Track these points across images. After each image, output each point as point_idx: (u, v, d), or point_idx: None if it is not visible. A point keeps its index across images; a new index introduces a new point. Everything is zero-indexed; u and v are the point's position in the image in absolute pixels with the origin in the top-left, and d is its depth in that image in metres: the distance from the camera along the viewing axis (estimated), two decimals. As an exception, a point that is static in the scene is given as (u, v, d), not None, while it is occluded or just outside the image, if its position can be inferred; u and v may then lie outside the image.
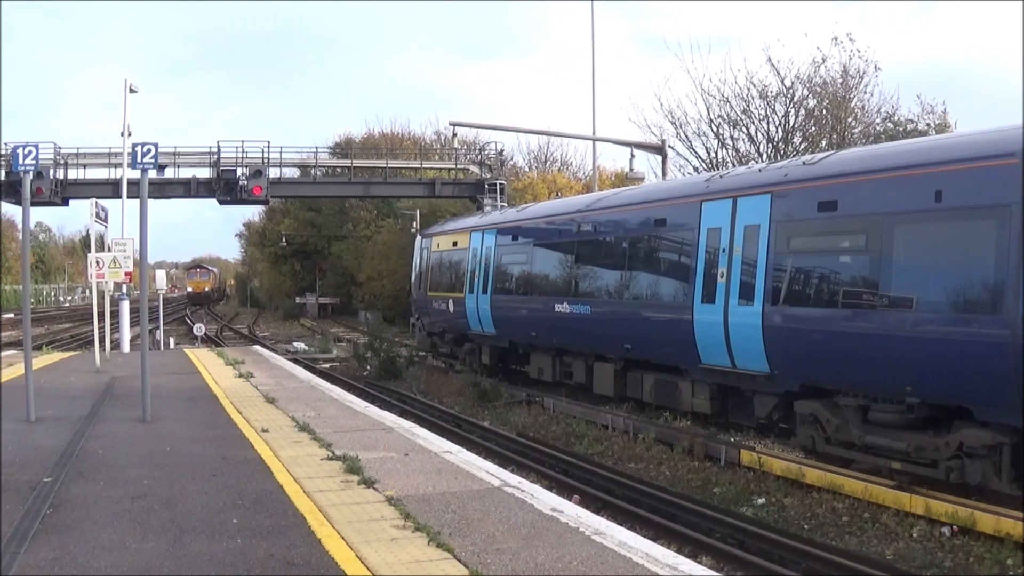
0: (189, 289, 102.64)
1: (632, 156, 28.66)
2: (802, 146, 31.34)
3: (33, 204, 17.66)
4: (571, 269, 19.85)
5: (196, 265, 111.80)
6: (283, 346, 38.56)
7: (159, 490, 8.69)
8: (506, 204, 34.90)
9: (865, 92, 31.76)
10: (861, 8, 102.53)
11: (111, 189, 35.59)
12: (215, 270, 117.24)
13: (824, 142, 30.77)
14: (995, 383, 10.05)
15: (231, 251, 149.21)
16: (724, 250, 14.45)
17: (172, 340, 34.90)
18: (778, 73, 32.13)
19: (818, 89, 31.85)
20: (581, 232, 19.35)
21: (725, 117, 33.39)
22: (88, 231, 28.93)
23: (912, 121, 29.99)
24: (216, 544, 6.91)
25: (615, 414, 17.73)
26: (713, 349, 14.65)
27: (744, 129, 33.26)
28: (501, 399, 21.56)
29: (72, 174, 38.96)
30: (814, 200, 12.83)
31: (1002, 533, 9.85)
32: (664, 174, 29.44)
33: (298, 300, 70.61)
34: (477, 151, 44.25)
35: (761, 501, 12.25)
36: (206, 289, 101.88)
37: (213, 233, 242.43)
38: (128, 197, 29.45)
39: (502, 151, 42.49)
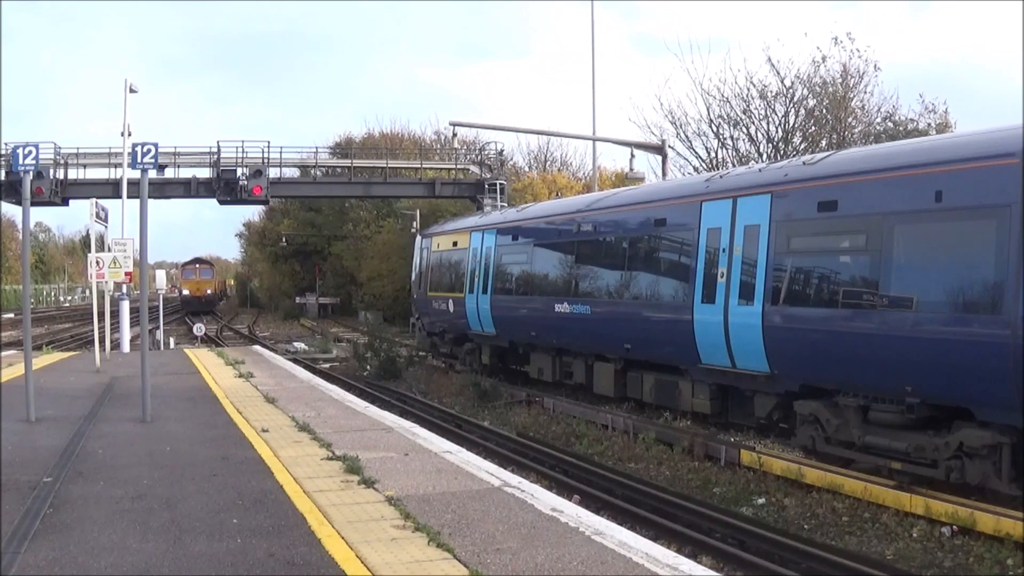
0: (185, 291, 78.55)
1: (632, 156, 28.66)
2: (802, 146, 31.34)
3: (33, 204, 17.66)
4: (571, 269, 19.85)
5: (194, 260, 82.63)
6: (283, 346, 38.55)
7: (159, 490, 8.69)
8: (506, 204, 34.89)
9: (865, 92, 31.84)
10: (857, 8, 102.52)
11: (111, 189, 35.59)
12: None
13: (824, 142, 30.78)
14: (995, 383, 10.05)
15: (231, 251, 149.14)
16: (724, 250, 14.44)
17: (172, 340, 34.91)
18: (778, 73, 32.19)
19: (818, 89, 31.87)
20: (581, 232, 19.34)
21: (725, 117, 33.43)
22: (88, 231, 28.95)
23: (912, 121, 30.02)
24: (216, 544, 6.91)
25: (615, 414, 17.73)
26: (713, 349, 14.64)
27: (744, 129, 33.30)
28: (501, 399, 21.57)
29: (72, 174, 38.99)
30: (814, 200, 12.82)
31: (1002, 533, 9.85)
32: (664, 174, 29.44)
33: (298, 300, 70.59)
34: (477, 151, 44.26)
35: (761, 501, 12.25)
36: (208, 291, 79.11)
37: (213, 233, 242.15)
38: (128, 197, 29.46)
39: (502, 151, 42.55)
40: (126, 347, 28.45)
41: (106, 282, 23.68)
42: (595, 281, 18.91)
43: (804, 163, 13.81)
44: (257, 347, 31.76)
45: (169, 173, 39.49)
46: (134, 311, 31.88)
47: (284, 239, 72.13)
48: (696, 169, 33.72)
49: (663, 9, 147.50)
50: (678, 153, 34.31)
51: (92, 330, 25.37)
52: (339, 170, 45.00)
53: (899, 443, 11.49)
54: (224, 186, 39.33)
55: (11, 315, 55.91)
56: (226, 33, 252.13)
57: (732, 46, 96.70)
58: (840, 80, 31.57)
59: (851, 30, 57.57)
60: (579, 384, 20.10)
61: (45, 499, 8.28)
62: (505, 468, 11.45)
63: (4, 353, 23.97)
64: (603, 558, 6.64)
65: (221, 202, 40.96)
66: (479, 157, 42.69)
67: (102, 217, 24.82)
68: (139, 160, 13.16)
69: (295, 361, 26.91)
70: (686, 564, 6.71)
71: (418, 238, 30.75)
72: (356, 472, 9.33)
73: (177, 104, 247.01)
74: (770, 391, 13.86)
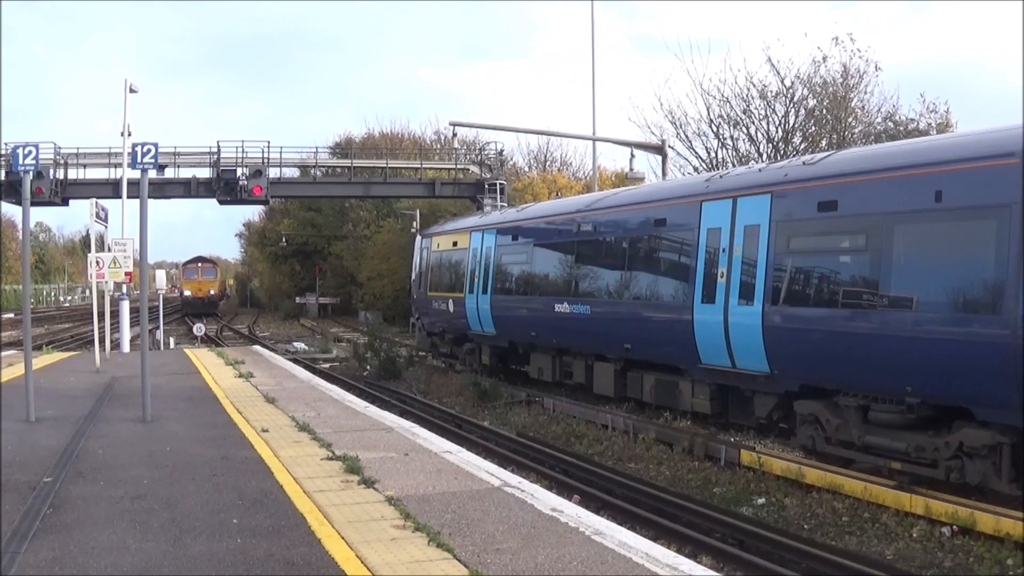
0: (187, 292, 74.80)
1: (632, 156, 28.67)
2: (802, 146, 31.33)
3: (33, 204, 17.66)
4: (571, 269, 19.85)
5: (197, 259, 78.07)
6: (283, 346, 38.56)
7: (159, 490, 8.70)
8: (506, 204, 34.90)
9: (865, 92, 31.83)
10: (857, 8, 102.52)
11: (111, 189, 35.62)
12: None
13: (824, 142, 30.77)
14: (995, 383, 10.05)
15: (231, 251, 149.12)
16: (724, 250, 14.44)
17: (172, 340, 34.91)
18: (778, 73, 32.18)
19: (818, 89, 31.86)
20: (581, 232, 19.34)
21: (725, 117, 33.42)
22: (88, 231, 28.96)
23: (913, 120, 30.01)
24: (216, 544, 6.91)
25: (615, 414, 17.73)
26: (713, 349, 14.64)
27: (744, 129, 33.29)
28: (501, 399, 21.56)
29: (72, 174, 39.03)
30: (814, 200, 12.82)
31: (1002, 533, 9.85)
32: (664, 174, 29.44)
33: (298, 300, 70.55)
34: (477, 151, 44.28)
35: (761, 501, 12.25)
36: (211, 292, 75.26)
37: (213, 233, 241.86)
38: (128, 197, 29.46)
39: (502, 151, 42.56)
40: (126, 347, 28.45)
41: (106, 282, 23.68)
42: (595, 281, 18.91)
43: (804, 163, 13.81)
44: (257, 347, 31.76)
45: (169, 173, 39.53)
46: (134, 311, 31.89)
47: (284, 239, 72.09)
48: (696, 169, 33.72)
49: (663, 9, 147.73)
50: (678, 153, 34.36)
51: (92, 330, 25.37)
52: (339, 170, 45.01)
53: (899, 443, 11.49)
54: (224, 186, 39.35)
55: (11, 315, 55.92)
56: (226, 33, 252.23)
57: (732, 46, 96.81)
58: (840, 80, 31.58)
59: (851, 30, 57.63)
60: (579, 384, 20.09)
61: (45, 499, 8.28)
62: (505, 468, 11.45)
63: (4, 353, 23.97)
64: (603, 558, 6.64)
65: (221, 202, 40.98)
66: (479, 157, 42.71)
67: (102, 217, 24.82)
68: (139, 160, 13.16)
69: (295, 361, 26.91)
70: (686, 564, 6.71)
71: (418, 238, 30.75)
72: (356, 472, 9.33)
73: (177, 104, 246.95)
74: (770, 391, 13.86)
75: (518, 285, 22.07)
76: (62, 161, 38.69)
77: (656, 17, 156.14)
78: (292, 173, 43.88)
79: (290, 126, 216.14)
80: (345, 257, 62.28)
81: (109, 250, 24.09)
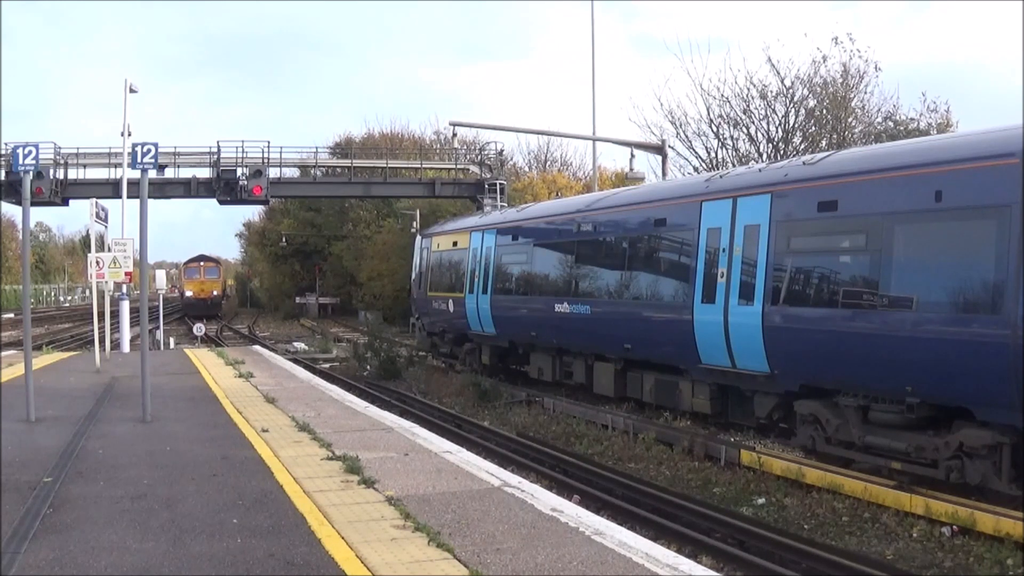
0: (188, 293, 71.71)
1: (632, 156, 28.67)
2: (802, 146, 31.35)
3: (33, 204, 17.67)
4: (571, 269, 19.85)
5: (199, 258, 74.83)
6: (283, 346, 38.55)
7: (159, 490, 8.70)
8: (506, 204, 34.90)
9: (865, 92, 31.85)
10: (857, 8, 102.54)
11: (111, 189, 35.63)
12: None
13: (824, 142, 30.78)
14: (995, 383, 10.05)
15: (231, 251, 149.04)
16: (724, 250, 14.45)
17: (172, 340, 34.92)
18: (778, 73, 32.19)
19: (818, 89, 31.88)
20: (581, 232, 19.35)
21: (725, 117, 33.43)
22: (88, 231, 28.95)
23: (913, 120, 30.02)
24: (216, 544, 6.91)
25: (615, 414, 17.73)
26: (713, 349, 14.64)
27: (744, 129, 33.30)
28: (501, 399, 21.56)
29: (72, 174, 39.06)
30: (814, 200, 12.83)
31: (1002, 533, 9.85)
32: (664, 174, 29.44)
33: (298, 300, 70.53)
34: (477, 151, 44.30)
35: (761, 501, 12.25)
36: (214, 292, 72.09)
37: (213, 233, 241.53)
38: (128, 197, 29.45)
39: (502, 151, 42.58)
40: (126, 347, 28.44)
41: (106, 282, 23.68)
42: (595, 281, 18.91)
43: (804, 163, 13.81)
44: (257, 347, 31.76)
45: (169, 173, 39.56)
46: (134, 311, 31.89)
47: (284, 239, 72.07)
48: (696, 169, 33.73)
49: (663, 9, 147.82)
50: (678, 153, 34.36)
51: (92, 330, 25.38)
52: (339, 170, 45.02)
53: (899, 443, 11.50)
54: (224, 186, 39.38)
55: (11, 315, 55.92)
56: (226, 33, 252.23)
57: (732, 46, 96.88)
58: (840, 80, 31.59)
59: (851, 30, 57.62)
60: (579, 384, 20.09)
61: (45, 499, 8.28)
62: (505, 468, 11.44)
63: (4, 353, 23.97)
64: (603, 558, 6.64)
65: (221, 202, 40.99)
66: (479, 157, 42.72)
67: (102, 217, 24.81)
68: (139, 160, 13.16)
69: (295, 361, 26.91)
70: (686, 564, 6.71)
71: (418, 238, 30.75)
72: (356, 472, 9.33)
73: (177, 104, 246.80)
74: (770, 391, 13.86)
75: (518, 285, 22.07)
76: (62, 161, 38.71)
77: (656, 17, 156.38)
78: (292, 173, 43.95)
79: (290, 126, 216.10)
80: (345, 257, 62.28)
81: (109, 250, 24.08)
